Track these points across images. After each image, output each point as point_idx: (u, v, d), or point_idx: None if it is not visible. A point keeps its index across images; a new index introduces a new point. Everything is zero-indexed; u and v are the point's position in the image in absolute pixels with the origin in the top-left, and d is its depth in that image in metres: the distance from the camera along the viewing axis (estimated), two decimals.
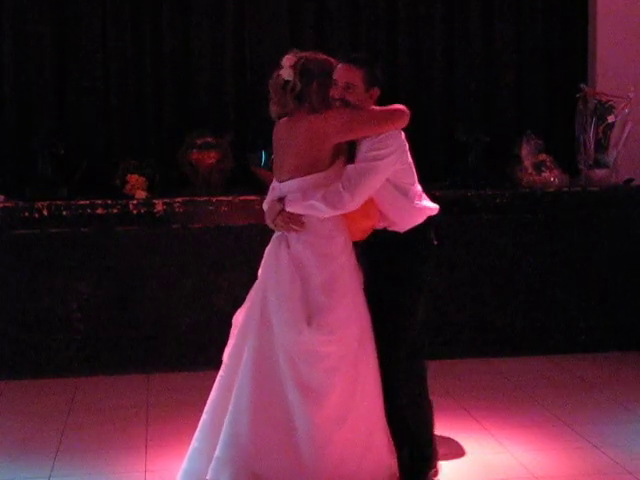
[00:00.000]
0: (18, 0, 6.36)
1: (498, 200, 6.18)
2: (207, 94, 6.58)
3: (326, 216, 3.85)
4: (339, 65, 3.93)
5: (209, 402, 4.03)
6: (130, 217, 5.87)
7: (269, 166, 6.07)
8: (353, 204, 3.83)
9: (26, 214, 5.80)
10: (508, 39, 6.88)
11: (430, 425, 4.09)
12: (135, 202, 5.88)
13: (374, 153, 3.84)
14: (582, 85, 6.55)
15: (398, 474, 3.94)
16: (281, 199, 3.91)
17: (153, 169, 6.13)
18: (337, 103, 3.89)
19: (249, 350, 3.89)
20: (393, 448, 3.95)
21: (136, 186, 6.00)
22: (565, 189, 6.33)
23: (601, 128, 6.39)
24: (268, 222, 3.99)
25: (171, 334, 5.96)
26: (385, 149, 3.85)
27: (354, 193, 3.81)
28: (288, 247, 3.90)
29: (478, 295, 6.19)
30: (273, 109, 4.02)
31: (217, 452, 3.82)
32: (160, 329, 5.96)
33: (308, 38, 6.65)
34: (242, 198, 5.94)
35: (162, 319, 5.96)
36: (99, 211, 5.84)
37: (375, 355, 3.92)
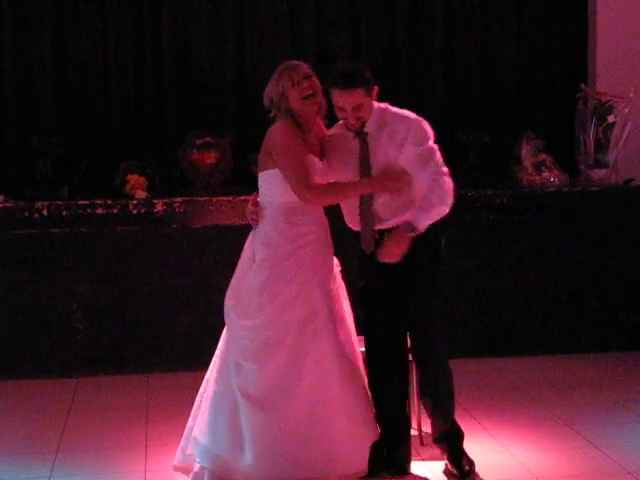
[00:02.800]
0: (18, 0, 6.37)
1: (498, 200, 6.18)
2: (207, 94, 6.58)
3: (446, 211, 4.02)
4: (336, 91, 3.99)
5: (203, 383, 4.31)
6: (130, 217, 5.87)
7: None
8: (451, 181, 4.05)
9: (26, 214, 5.80)
10: (508, 39, 6.88)
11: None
12: (135, 202, 5.88)
13: (424, 144, 4.05)
14: (582, 85, 6.55)
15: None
16: (411, 225, 3.94)
17: (153, 169, 6.13)
18: (353, 124, 4.02)
19: (221, 339, 4.27)
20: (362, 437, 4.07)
21: (136, 186, 6.00)
22: (565, 189, 6.33)
23: (601, 128, 6.39)
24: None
25: (171, 334, 5.96)
26: (427, 132, 4.09)
27: (446, 172, 4.04)
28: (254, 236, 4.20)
29: (478, 295, 6.19)
30: None
31: (194, 430, 4.16)
32: (160, 329, 5.96)
33: (308, 38, 6.66)
34: (242, 198, 5.92)
35: (162, 319, 5.96)
36: (99, 211, 5.85)
37: (333, 342, 4.02)
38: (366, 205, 4.09)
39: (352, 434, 4.06)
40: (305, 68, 4.07)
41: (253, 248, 4.15)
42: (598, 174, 6.44)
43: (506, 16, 6.87)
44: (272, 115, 4.11)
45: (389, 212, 4.08)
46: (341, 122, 4.17)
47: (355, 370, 4.15)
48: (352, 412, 4.07)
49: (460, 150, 6.43)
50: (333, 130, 4.24)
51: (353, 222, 4.19)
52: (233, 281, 4.19)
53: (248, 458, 3.96)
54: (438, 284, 4.20)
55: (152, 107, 6.57)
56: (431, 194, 3.99)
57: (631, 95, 6.34)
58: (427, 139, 4.08)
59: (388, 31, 6.75)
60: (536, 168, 6.38)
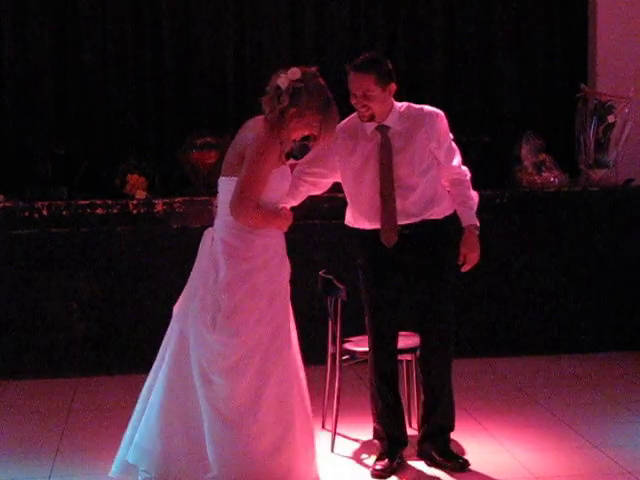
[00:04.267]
0: (18, 0, 6.37)
1: (498, 200, 6.18)
2: (207, 94, 6.58)
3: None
4: (349, 74, 4.10)
5: (142, 391, 4.12)
6: (130, 217, 5.87)
7: None
8: None
9: (26, 214, 5.80)
10: (508, 39, 6.88)
11: None
12: (135, 202, 5.89)
13: (451, 140, 4.33)
14: (582, 85, 6.55)
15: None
16: (474, 226, 4.25)
17: (153, 169, 6.14)
18: (362, 113, 4.11)
19: (171, 346, 4.06)
20: (312, 451, 4.02)
21: (136, 186, 6.00)
22: (565, 189, 6.33)
23: (601, 128, 6.39)
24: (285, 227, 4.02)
25: None
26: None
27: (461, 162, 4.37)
28: (212, 241, 3.97)
29: (478, 295, 6.19)
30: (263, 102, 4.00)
31: (136, 437, 3.97)
32: (160, 329, 5.94)
33: (308, 38, 6.66)
34: None
35: (162, 319, 5.93)
36: (99, 211, 5.85)
37: (293, 357, 3.97)
38: (389, 204, 4.14)
39: (309, 445, 4.02)
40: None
41: (211, 256, 3.94)
42: (598, 174, 6.44)
43: (506, 16, 6.87)
44: (266, 98, 3.93)
45: (419, 209, 4.19)
46: (351, 118, 4.26)
47: (303, 380, 4.09)
48: (305, 424, 4.02)
49: (460, 150, 6.42)
50: (345, 129, 4.26)
51: (368, 221, 4.23)
52: (197, 290, 3.99)
53: (214, 470, 3.85)
54: (452, 283, 4.37)
55: (152, 107, 6.57)
56: (465, 189, 4.32)
57: (631, 95, 6.34)
58: (450, 133, 4.32)
59: (388, 32, 6.75)
60: (536, 168, 6.38)
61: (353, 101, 4.13)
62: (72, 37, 6.44)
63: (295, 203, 4.28)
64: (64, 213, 5.83)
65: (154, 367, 4.12)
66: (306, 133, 3.96)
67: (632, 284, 6.34)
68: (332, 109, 3.93)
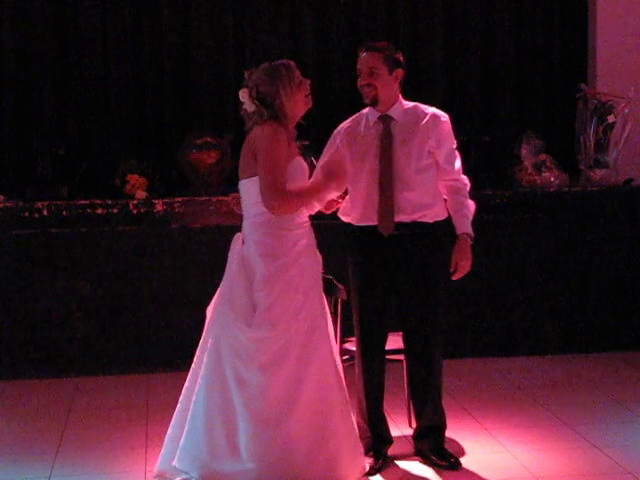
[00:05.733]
0: (19, 2, 6.37)
1: (498, 200, 6.18)
2: (207, 94, 6.58)
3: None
4: (360, 56, 4.20)
5: (183, 390, 4.17)
6: (130, 217, 5.87)
7: None
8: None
9: (26, 214, 5.80)
10: (508, 39, 6.88)
11: None
12: (135, 202, 5.89)
13: (453, 144, 4.33)
14: (582, 85, 6.55)
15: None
16: (467, 235, 4.26)
17: (153, 169, 6.14)
18: (367, 93, 4.17)
19: (208, 350, 4.04)
20: (355, 442, 4.10)
21: (136, 186, 6.00)
22: (565, 189, 6.33)
23: (601, 128, 6.39)
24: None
25: (171, 334, 5.96)
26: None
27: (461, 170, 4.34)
28: (243, 244, 4.03)
29: (478, 295, 6.18)
30: None
31: (182, 441, 4.02)
32: (160, 329, 5.96)
33: (308, 37, 6.66)
34: None
35: (162, 319, 5.96)
36: (99, 211, 5.85)
37: (331, 349, 4.04)
38: (387, 193, 4.17)
39: (349, 440, 4.06)
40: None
41: (243, 259, 3.99)
42: (598, 174, 6.44)
43: (506, 16, 6.87)
44: (253, 118, 4.04)
45: (412, 208, 4.20)
46: (360, 113, 4.33)
47: (341, 376, 4.14)
48: (347, 417, 4.07)
49: (460, 150, 6.42)
50: (350, 122, 4.35)
51: (362, 214, 4.26)
52: (228, 293, 4.01)
53: (249, 467, 3.88)
54: (441, 286, 4.35)
55: (152, 107, 6.57)
56: (462, 197, 4.31)
57: (631, 95, 6.34)
58: (454, 139, 4.33)
59: (388, 31, 6.75)
60: (536, 168, 6.38)
61: (359, 82, 4.19)
62: (72, 37, 6.44)
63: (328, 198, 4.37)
64: (64, 213, 5.83)
65: (192, 370, 4.15)
66: (305, 104, 4.05)
67: (632, 284, 6.33)
68: (283, 71, 4.00)
